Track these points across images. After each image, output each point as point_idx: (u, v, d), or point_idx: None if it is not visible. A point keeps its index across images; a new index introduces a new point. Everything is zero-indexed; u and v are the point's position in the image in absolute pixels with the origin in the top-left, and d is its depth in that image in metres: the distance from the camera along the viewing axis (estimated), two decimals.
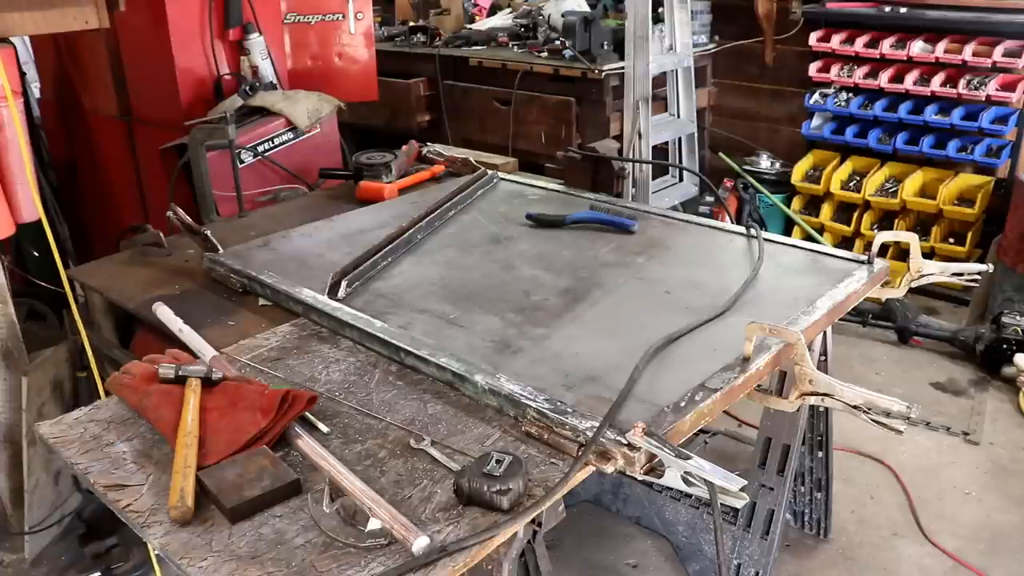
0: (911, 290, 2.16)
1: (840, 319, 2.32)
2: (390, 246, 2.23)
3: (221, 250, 2.22)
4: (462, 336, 1.82)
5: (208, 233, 2.23)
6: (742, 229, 2.36)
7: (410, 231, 2.33)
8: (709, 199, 4.46)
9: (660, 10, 3.86)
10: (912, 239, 2.13)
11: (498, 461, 1.31)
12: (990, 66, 4.04)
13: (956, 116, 4.10)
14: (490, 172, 2.86)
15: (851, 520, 2.76)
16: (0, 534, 2.66)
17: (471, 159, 3.02)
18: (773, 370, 1.76)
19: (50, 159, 3.72)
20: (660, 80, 3.92)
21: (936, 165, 4.37)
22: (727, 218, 2.82)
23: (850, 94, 4.47)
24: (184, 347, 1.77)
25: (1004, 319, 3.56)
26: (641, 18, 3.42)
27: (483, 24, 5.08)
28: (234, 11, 3.21)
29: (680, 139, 4.07)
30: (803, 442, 2.42)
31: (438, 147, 3.18)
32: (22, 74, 2.84)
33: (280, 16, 3.46)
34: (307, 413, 1.53)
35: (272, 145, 3.08)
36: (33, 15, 2.42)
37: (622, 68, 3.72)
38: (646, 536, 2.67)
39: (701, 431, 2.06)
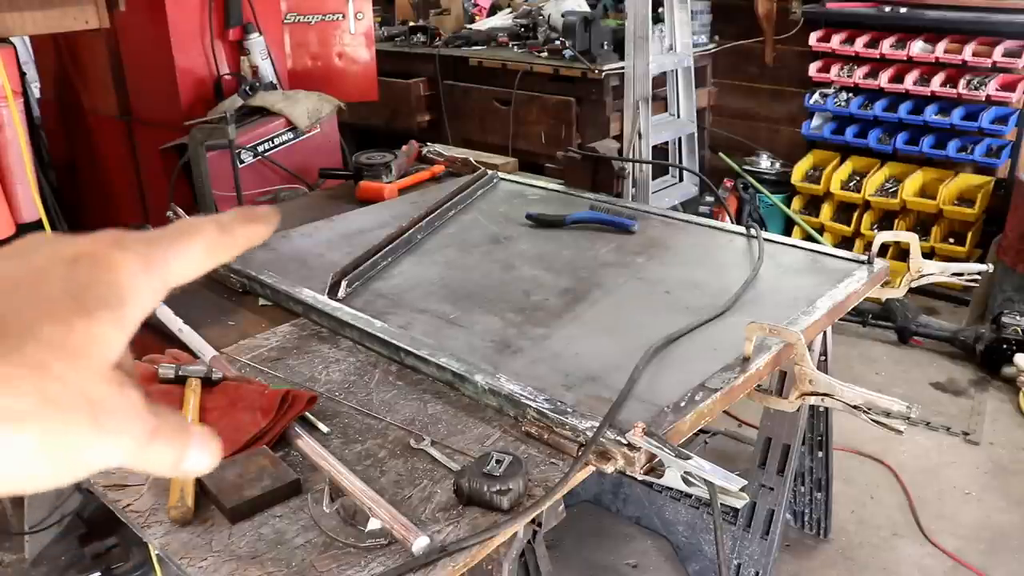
0: (911, 290, 2.16)
1: (840, 319, 2.32)
2: (390, 246, 2.23)
3: None
4: (462, 336, 1.82)
5: None
6: (742, 229, 2.36)
7: (410, 231, 2.33)
8: (709, 199, 4.47)
9: (660, 10, 3.87)
10: (912, 239, 2.13)
11: (498, 461, 1.31)
12: (990, 66, 4.04)
13: (956, 116, 4.10)
14: (490, 172, 2.86)
15: (851, 520, 2.76)
16: (0, 534, 2.66)
17: (471, 159, 3.02)
18: (773, 370, 1.76)
19: (50, 159, 3.72)
20: (660, 80, 3.92)
21: (936, 165, 4.37)
22: (727, 218, 2.81)
23: (850, 94, 4.47)
24: (184, 347, 1.77)
25: (1004, 319, 3.56)
26: (641, 18, 3.42)
27: (483, 24, 5.08)
28: (234, 11, 3.22)
29: (680, 139, 4.07)
30: (803, 442, 2.42)
31: (438, 147, 3.18)
32: (22, 74, 2.84)
33: (280, 16, 3.46)
34: (307, 413, 1.53)
35: (272, 145, 3.08)
36: (33, 15, 2.43)
37: (622, 68, 3.72)
38: (646, 536, 2.67)
39: (701, 431, 2.06)
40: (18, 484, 0.37)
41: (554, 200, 2.68)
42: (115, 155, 3.54)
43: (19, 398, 0.35)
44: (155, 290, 0.42)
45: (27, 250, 0.40)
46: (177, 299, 2.03)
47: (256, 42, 3.27)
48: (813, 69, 4.53)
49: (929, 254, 4.18)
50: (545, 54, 4.25)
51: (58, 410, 0.36)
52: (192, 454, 0.42)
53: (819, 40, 4.48)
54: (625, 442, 1.35)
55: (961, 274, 2.17)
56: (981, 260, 4.10)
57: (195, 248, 0.44)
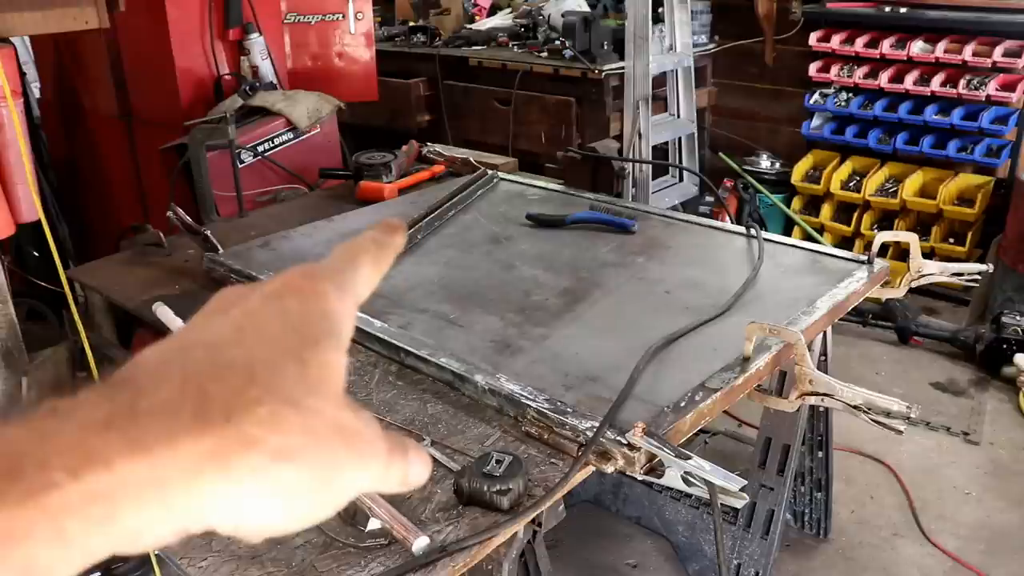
0: (911, 290, 2.16)
1: (840, 319, 2.32)
2: None
3: (221, 250, 2.21)
4: (462, 336, 1.82)
5: (208, 233, 2.23)
6: (742, 229, 2.36)
7: (410, 231, 2.33)
8: (709, 199, 4.47)
9: (660, 10, 3.86)
10: (912, 239, 2.13)
11: (498, 461, 1.31)
12: (990, 66, 4.04)
13: (956, 116, 4.10)
14: (490, 172, 2.86)
15: (851, 520, 2.76)
16: None
17: (471, 159, 3.02)
18: (773, 370, 1.76)
19: (50, 159, 3.72)
20: (660, 80, 3.91)
21: (936, 165, 4.36)
22: (727, 218, 2.82)
23: (850, 94, 4.47)
24: None
25: (1004, 319, 3.56)
26: (641, 18, 3.42)
27: (483, 24, 5.08)
28: (234, 11, 3.22)
29: (680, 139, 4.07)
30: (803, 442, 2.42)
31: (438, 147, 3.18)
32: (22, 74, 2.84)
33: (280, 16, 3.46)
34: None
35: (272, 145, 3.07)
36: (33, 15, 2.42)
37: (622, 68, 3.72)
38: (646, 536, 2.67)
39: (701, 431, 2.06)
40: (298, 520, 0.38)
41: (554, 200, 2.68)
42: (115, 155, 3.54)
43: (288, 436, 0.36)
44: (353, 312, 0.44)
45: (230, 301, 0.42)
46: (177, 299, 2.03)
47: (256, 42, 3.26)
48: (813, 69, 4.52)
49: (929, 254, 4.18)
50: (545, 54, 4.25)
51: (320, 442, 0.37)
52: (413, 468, 0.43)
53: (819, 40, 4.48)
54: (625, 442, 1.35)
55: (961, 274, 2.17)
56: (981, 260, 4.10)
57: (367, 266, 0.46)
